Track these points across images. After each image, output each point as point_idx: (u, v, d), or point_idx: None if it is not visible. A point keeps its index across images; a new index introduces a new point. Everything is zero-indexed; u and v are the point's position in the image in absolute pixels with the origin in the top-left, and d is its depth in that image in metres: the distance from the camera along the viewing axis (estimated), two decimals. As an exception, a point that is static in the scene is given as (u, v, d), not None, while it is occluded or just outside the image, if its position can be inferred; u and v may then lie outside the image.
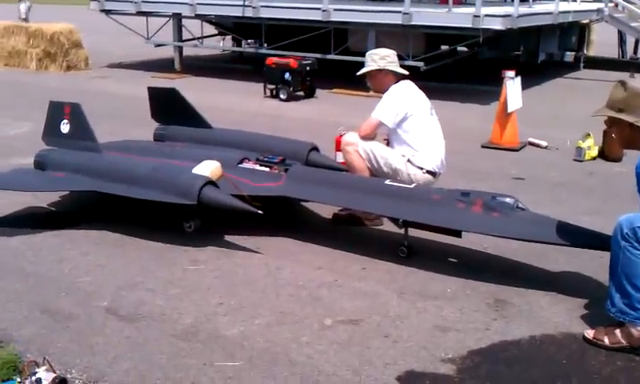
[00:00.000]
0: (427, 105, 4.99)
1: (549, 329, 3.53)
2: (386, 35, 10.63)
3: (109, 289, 3.90)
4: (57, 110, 5.25)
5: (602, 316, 3.42)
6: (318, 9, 11.23)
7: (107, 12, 13.92)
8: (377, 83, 5.09)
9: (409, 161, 4.81)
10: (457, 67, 12.55)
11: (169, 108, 5.77)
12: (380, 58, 4.98)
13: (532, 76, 11.47)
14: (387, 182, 4.55)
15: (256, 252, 4.44)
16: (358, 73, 5.19)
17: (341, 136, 5.41)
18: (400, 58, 5.18)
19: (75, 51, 13.62)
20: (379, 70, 4.98)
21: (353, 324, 3.55)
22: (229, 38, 14.84)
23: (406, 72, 5.06)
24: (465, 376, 3.10)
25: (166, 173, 4.60)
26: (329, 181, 4.69)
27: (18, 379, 2.57)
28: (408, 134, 4.86)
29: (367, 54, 5.15)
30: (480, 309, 3.74)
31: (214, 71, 13.31)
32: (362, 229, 4.93)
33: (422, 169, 4.82)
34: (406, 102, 4.87)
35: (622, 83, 3.42)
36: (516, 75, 7.45)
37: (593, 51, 16.40)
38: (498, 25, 10.04)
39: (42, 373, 2.58)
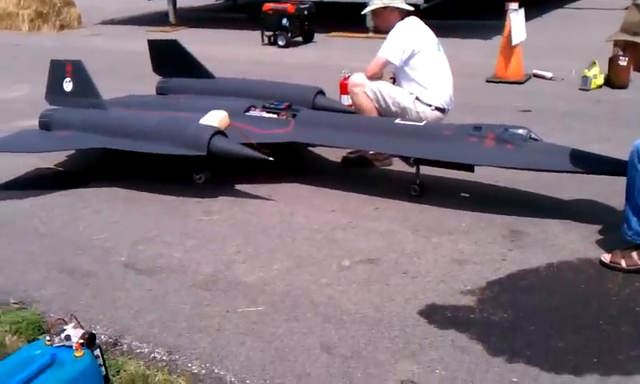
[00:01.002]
0: (434, 41, 4.91)
1: (565, 256, 3.55)
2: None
3: (125, 244, 3.92)
4: (58, 69, 5.18)
5: (618, 240, 3.44)
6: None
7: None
8: (382, 21, 5.00)
9: (417, 98, 4.77)
10: (456, 3, 12.35)
11: (170, 60, 5.69)
12: None
13: (532, 8, 11.26)
14: (397, 121, 4.51)
15: (268, 199, 4.45)
16: (363, 11, 5.11)
17: (345, 79, 5.36)
18: (399, -4, 5.07)
19: (67, 10, 13.40)
20: (384, 8, 4.89)
21: (371, 263, 3.57)
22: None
23: (411, 8, 4.97)
24: (486, 306, 3.13)
25: (173, 125, 4.56)
26: (338, 124, 4.65)
27: (47, 338, 2.57)
28: (415, 71, 4.80)
29: None
30: (496, 240, 3.75)
31: (209, 22, 13.11)
32: (372, 170, 4.92)
33: (430, 106, 4.77)
34: (412, 38, 4.79)
35: (637, 6, 3.35)
36: (519, 7, 7.34)
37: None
38: (497, -46, 9.83)
39: (70, 330, 2.58)
